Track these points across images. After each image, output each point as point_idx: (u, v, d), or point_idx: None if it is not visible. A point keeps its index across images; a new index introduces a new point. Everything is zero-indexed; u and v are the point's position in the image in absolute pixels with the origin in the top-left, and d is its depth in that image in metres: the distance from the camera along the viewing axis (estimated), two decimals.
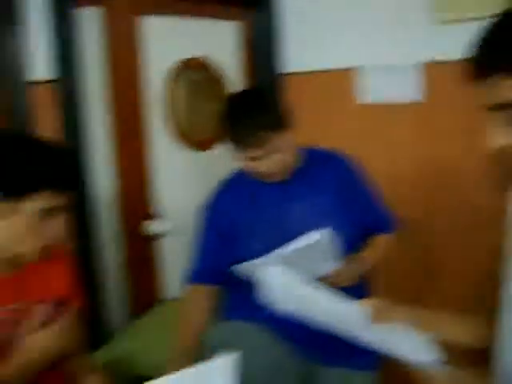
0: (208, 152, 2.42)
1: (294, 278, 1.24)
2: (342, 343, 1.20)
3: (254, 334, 1.52)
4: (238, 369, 1.13)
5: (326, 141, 1.93)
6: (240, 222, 1.62)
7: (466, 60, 0.83)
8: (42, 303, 1.20)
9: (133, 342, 1.92)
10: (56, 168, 1.20)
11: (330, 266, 1.50)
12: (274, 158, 1.52)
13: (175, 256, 2.28)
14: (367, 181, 1.73)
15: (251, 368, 1.36)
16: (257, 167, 1.54)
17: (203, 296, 1.66)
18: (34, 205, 1.17)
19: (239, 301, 1.63)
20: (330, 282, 1.46)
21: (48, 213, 1.20)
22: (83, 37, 1.96)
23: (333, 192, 1.61)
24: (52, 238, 1.23)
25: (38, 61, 1.79)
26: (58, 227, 1.22)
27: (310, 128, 2.17)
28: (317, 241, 1.42)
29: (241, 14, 2.51)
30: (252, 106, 1.52)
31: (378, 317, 1.10)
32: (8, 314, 1.27)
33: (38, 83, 1.79)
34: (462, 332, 1.16)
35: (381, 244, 1.70)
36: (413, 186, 2.27)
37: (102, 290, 2.04)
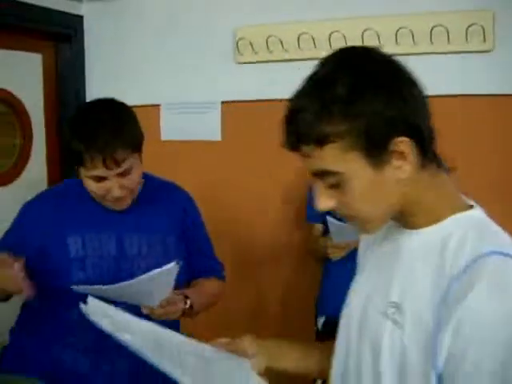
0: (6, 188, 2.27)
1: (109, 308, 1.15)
2: None
3: None
4: None
5: None
6: (61, 243, 1.42)
7: (282, 131, 0.85)
8: None
9: None
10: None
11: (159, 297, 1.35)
12: (127, 181, 1.37)
13: None
14: (202, 219, 1.67)
15: None
16: (106, 188, 1.36)
17: None
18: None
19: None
20: (156, 313, 1.33)
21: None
22: None
23: (173, 228, 1.52)
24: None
25: None
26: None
27: None
28: (166, 271, 1.27)
29: (44, 47, 2.48)
30: (112, 119, 1.36)
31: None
32: None
33: None
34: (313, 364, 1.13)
35: (210, 287, 1.62)
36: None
37: None
